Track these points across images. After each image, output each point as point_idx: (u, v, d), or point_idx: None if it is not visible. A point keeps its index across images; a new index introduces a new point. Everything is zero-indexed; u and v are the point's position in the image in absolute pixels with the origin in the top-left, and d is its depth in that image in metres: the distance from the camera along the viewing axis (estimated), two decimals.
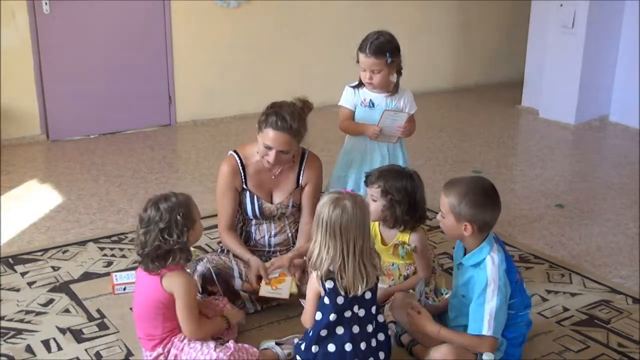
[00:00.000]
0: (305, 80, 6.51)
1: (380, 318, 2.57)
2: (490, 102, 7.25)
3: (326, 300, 2.46)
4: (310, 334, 2.52)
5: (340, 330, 2.49)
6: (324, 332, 2.49)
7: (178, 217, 2.52)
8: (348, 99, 3.51)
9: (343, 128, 3.55)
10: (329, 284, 2.43)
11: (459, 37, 7.66)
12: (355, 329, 2.50)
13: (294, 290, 3.01)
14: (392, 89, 3.45)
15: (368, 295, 2.49)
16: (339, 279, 2.43)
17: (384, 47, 3.33)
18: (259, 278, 3.04)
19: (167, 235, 2.51)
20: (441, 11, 7.41)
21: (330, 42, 6.68)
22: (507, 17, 7.87)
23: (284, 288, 3.00)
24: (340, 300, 2.45)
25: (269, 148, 3.06)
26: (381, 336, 2.57)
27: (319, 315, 2.49)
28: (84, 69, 5.66)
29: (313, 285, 2.49)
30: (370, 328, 2.52)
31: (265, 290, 3.00)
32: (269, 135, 3.03)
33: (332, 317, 2.47)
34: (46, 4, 5.37)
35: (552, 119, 6.54)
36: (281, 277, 3.04)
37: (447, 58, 7.65)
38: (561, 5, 6.28)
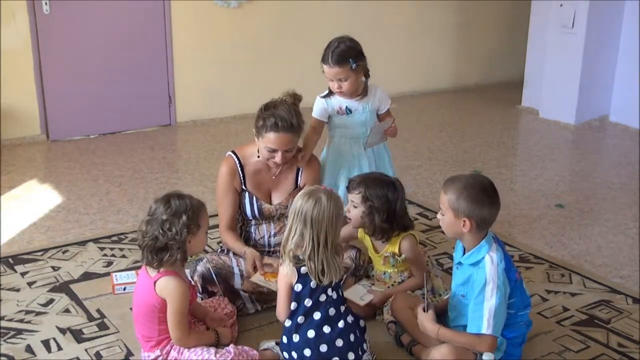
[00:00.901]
0: (305, 80, 6.46)
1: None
2: (490, 102, 7.25)
3: (298, 288, 2.52)
4: (289, 324, 2.57)
5: (317, 315, 2.55)
6: (301, 319, 2.54)
7: (184, 215, 2.53)
8: (318, 110, 3.43)
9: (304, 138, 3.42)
10: (304, 269, 2.50)
11: (459, 37, 7.66)
12: (332, 312, 2.56)
13: None
14: (362, 92, 3.40)
15: (337, 278, 2.58)
16: (310, 266, 2.50)
17: (346, 54, 3.25)
18: (255, 269, 3.04)
19: (167, 228, 2.51)
20: (441, 11, 7.42)
21: None
22: (507, 17, 7.88)
23: (274, 282, 3.00)
24: (313, 284, 2.52)
25: (274, 151, 3.05)
26: (350, 318, 2.62)
27: (294, 305, 2.55)
28: (84, 69, 5.66)
29: (284, 278, 2.55)
30: (342, 308, 2.60)
31: (257, 278, 3.00)
32: (272, 138, 3.02)
33: (307, 302, 2.53)
34: (46, 4, 5.37)
35: (552, 119, 6.54)
36: (276, 273, 3.04)
37: (447, 58, 7.66)
38: (561, 5, 6.28)
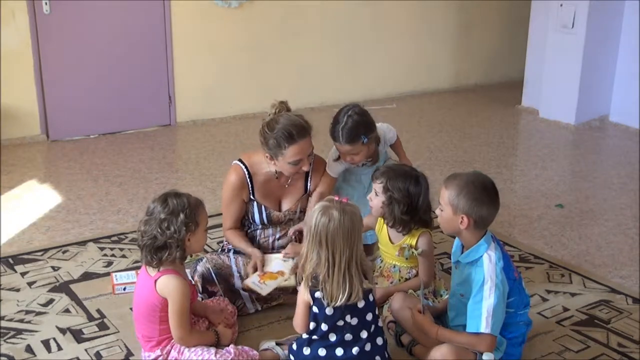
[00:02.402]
0: (304, 80, 6.51)
1: (379, 323, 2.56)
2: (490, 102, 7.25)
3: (315, 309, 2.47)
4: (305, 337, 2.53)
5: (333, 337, 2.49)
6: (315, 338, 2.50)
7: (181, 214, 2.53)
8: (336, 171, 3.36)
9: None
10: (318, 294, 2.44)
11: (459, 37, 7.65)
12: (348, 337, 2.49)
13: (283, 284, 3.02)
14: (374, 158, 3.38)
15: (361, 304, 2.47)
16: (323, 289, 2.42)
17: (357, 131, 3.16)
18: (255, 270, 3.05)
19: (165, 227, 2.52)
20: (441, 11, 7.41)
21: (330, 42, 6.68)
22: (507, 17, 7.88)
23: (269, 285, 3.00)
24: (329, 311, 2.44)
25: (299, 161, 3.02)
26: (379, 340, 2.55)
27: (312, 325, 2.49)
28: (84, 69, 5.66)
29: (302, 294, 2.49)
30: (365, 334, 2.50)
31: (250, 281, 3.01)
32: (294, 150, 2.98)
33: (324, 327, 2.47)
34: (46, 4, 5.37)
35: (552, 119, 6.54)
36: (275, 275, 3.05)
37: (447, 58, 7.65)
38: (561, 5, 6.28)
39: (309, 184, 3.26)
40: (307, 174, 3.24)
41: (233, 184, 3.16)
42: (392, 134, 3.50)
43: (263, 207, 3.19)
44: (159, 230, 2.52)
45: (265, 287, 2.99)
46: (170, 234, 2.52)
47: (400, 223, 3.01)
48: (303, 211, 3.26)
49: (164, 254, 2.54)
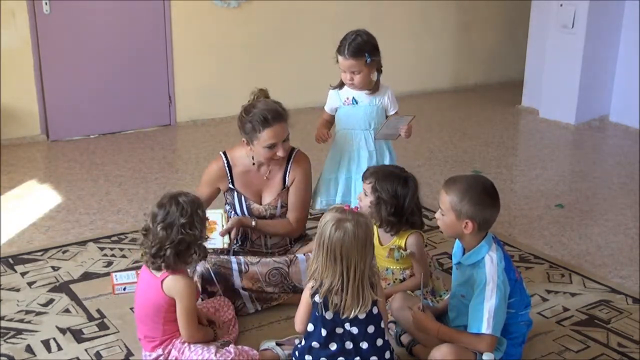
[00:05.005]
0: (304, 80, 6.51)
1: (385, 337, 2.53)
2: (490, 102, 7.26)
3: (315, 312, 2.46)
4: (304, 344, 2.51)
5: (333, 346, 2.47)
6: (315, 344, 2.48)
7: (199, 211, 2.54)
8: (330, 103, 3.49)
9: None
10: (317, 299, 2.42)
11: (459, 37, 7.66)
12: (349, 345, 2.47)
13: (227, 241, 3.07)
14: (373, 87, 3.42)
15: (362, 315, 2.43)
16: (333, 296, 2.39)
17: (362, 48, 3.29)
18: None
19: (189, 229, 2.50)
20: (441, 11, 7.42)
21: (330, 42, 6.63)
22: (507, 17, 7.88)
23: (216, 238, 3.05)
24: (329, 315, 2.42)
25: (273, 146, 3.04)
26: (387, 354, 2.51)
27: (310, 327, 2.48)
28: (84, 69, 5.66)
29: (306, 294, 2.48)
30: (365, 345, 2.47)
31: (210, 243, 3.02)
32: (268, 134, 3.04)
33: (324, 332, 2.45)
34: (46, 4, 5.37)
35: (552, 119, 6.55)
36: (211, 226, 3.05)
37: (447, 58, 7.66)
38: (561, 5, 6.28)
39: (287, 178, 3.26)
40: (286, 167, 3.25)
41: (210, 173, 3.27)
42: (394, 100, 3.50)
43: (243, 197, 3.22)
44: (184, 232, 2.49)
45: (215, 241, 3.03)
46: (197, 235, 2.52)
47: (387, 224, 3.02)
48: (284, 206, 3.27)
49: (188, 255, 2.53)
